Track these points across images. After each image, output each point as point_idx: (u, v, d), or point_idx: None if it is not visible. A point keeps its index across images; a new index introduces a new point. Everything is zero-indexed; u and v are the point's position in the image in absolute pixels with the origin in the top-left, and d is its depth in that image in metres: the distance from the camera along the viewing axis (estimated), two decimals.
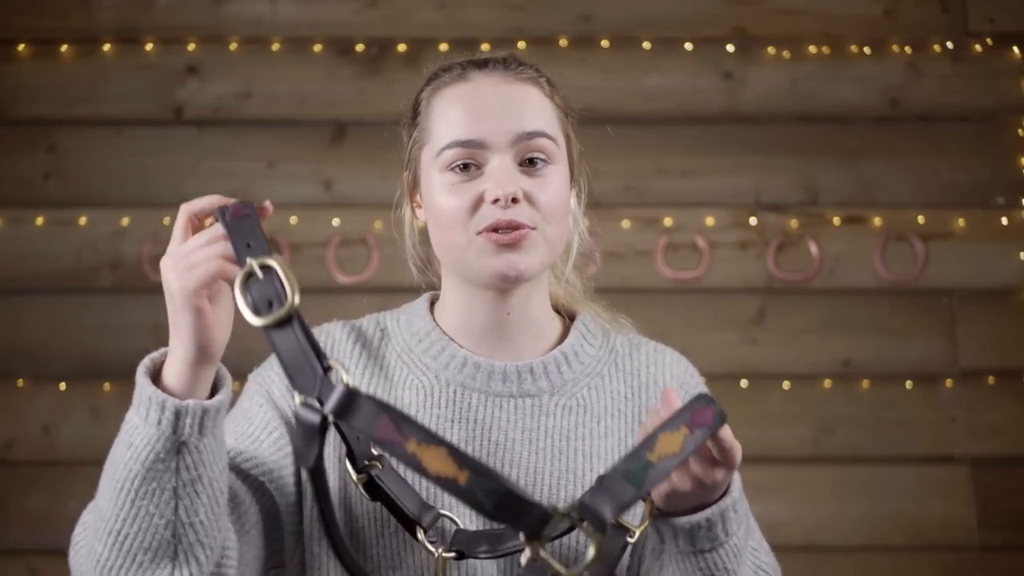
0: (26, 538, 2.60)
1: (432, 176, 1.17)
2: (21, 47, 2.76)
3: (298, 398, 0.93)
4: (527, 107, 1.16)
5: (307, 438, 0.93)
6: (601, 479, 0.90)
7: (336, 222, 2.71)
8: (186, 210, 1.00)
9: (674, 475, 0.99)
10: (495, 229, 1.12)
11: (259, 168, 2.74)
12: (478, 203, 1.13)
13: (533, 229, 1.13)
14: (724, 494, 1.04)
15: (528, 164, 1.15)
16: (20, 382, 2.67)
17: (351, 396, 0.89)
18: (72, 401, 2.66)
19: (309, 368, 0.91)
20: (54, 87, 2.75)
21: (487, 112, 1.15)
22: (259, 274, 0.93)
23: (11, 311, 2.69)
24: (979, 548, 2.62)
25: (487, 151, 1.14)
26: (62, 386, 2.66)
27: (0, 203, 2.71)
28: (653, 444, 0.91)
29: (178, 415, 0.94)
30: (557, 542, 1.11)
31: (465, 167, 1.14)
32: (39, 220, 2.71)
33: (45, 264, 2.70)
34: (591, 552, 0.88)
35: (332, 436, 1.11)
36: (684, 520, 1.03)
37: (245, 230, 0.95)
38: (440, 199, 1.15)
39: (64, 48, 2.77)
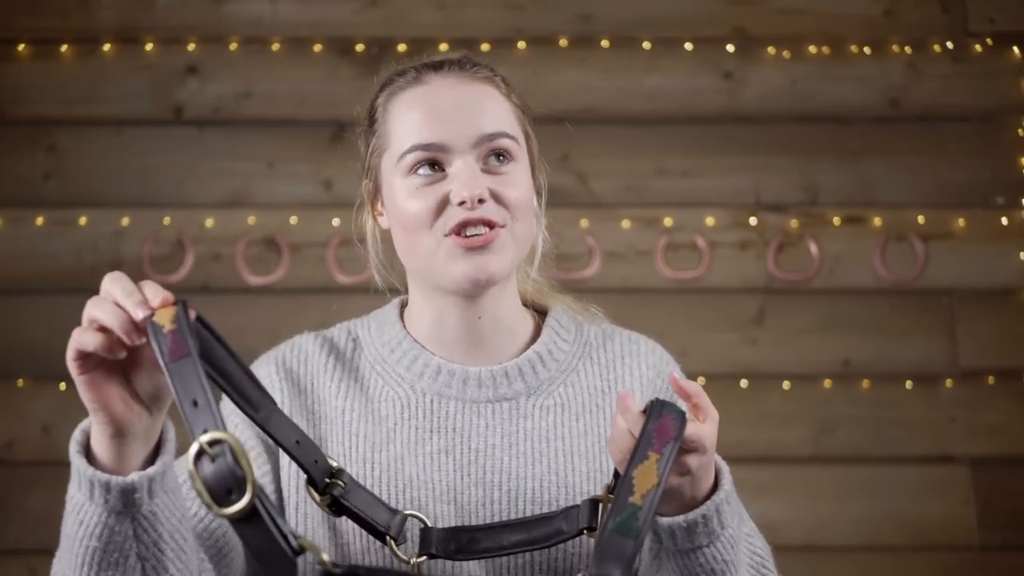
0: (26, 538, 2.60)
1: (394, 182, 1.15)
2: (21, 47, 2.76)
3: None
4: (486, 108, 1.15)
5: None
6: (598, 544, 0.87)
7: (336, 222, 2.70)
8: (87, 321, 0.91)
9: None
10: (464, 226, 1.11)
11: (259, 168, 2.74)
12: (443, 204, 1.12)
13: (502, 227, 1.12)
14: (716, 488, 1.04)
15: (493, 159, 1.14)
16: (20, 382, 2.66)
17: None
18: (72, 401, 2.60)
19: (281, 555, 0.81)
20: (54, 87, 2.75)
21: (446, 114, 1.13)
22: (210, 452, 0.80)
23: (11, 311, 2.68)
24: (979, 548, 2.61)
25: (449, 154, 1.13)
26: (62, 386, 2.65)
27: (0, 203, 2.71)
28: (631, 485, 0.89)
29: (124, 492, 0.90)
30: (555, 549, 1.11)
31: (429, 168, 1.13)
32: (39, 220, 2.70)
33: (45, 264, 2.70)
34: None
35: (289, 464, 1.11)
36: (680, 519, 1.02)
37: (188, 381, 0.82)
38: (404, 204, 1.14)
39: (64, 48, 2.76)
